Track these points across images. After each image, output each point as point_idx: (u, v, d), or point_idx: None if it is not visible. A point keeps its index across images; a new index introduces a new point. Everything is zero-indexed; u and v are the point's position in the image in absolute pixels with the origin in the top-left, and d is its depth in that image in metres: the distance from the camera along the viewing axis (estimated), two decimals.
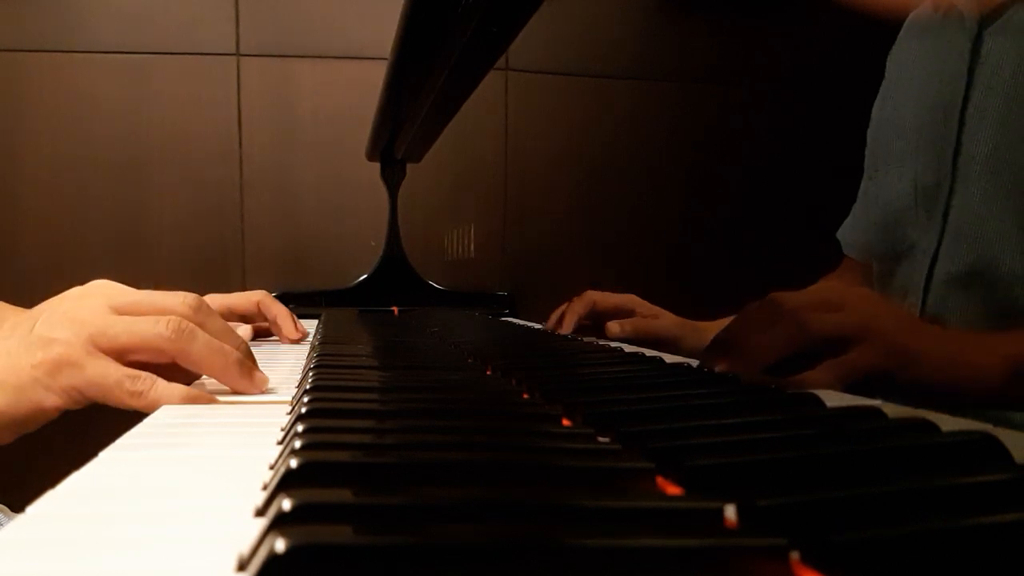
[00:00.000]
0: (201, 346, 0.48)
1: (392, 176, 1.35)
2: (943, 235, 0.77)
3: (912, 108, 0.84)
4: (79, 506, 0.27)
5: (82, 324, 0.46)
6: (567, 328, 0.96)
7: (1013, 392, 0.57)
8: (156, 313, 0.49)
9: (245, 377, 0.50)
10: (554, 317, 1.00)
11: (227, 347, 0.50)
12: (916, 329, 0.61)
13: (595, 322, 0.98)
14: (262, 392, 0.51)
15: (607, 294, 0.99)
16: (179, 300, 0.50)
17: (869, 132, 0.93)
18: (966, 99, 0.76)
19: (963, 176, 0.76)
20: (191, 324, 0.48)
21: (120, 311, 0.48)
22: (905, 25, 0.91)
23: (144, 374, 0.46)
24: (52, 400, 0.45)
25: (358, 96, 1.48)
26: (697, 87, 1.69)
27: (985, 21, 0.76)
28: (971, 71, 0.76)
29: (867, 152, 0.93)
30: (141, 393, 0.45)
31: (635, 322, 0.95)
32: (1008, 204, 0.71)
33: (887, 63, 0.93)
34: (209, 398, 0.48)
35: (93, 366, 0.45)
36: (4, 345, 0.46)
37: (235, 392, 0.50)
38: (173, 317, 0.48)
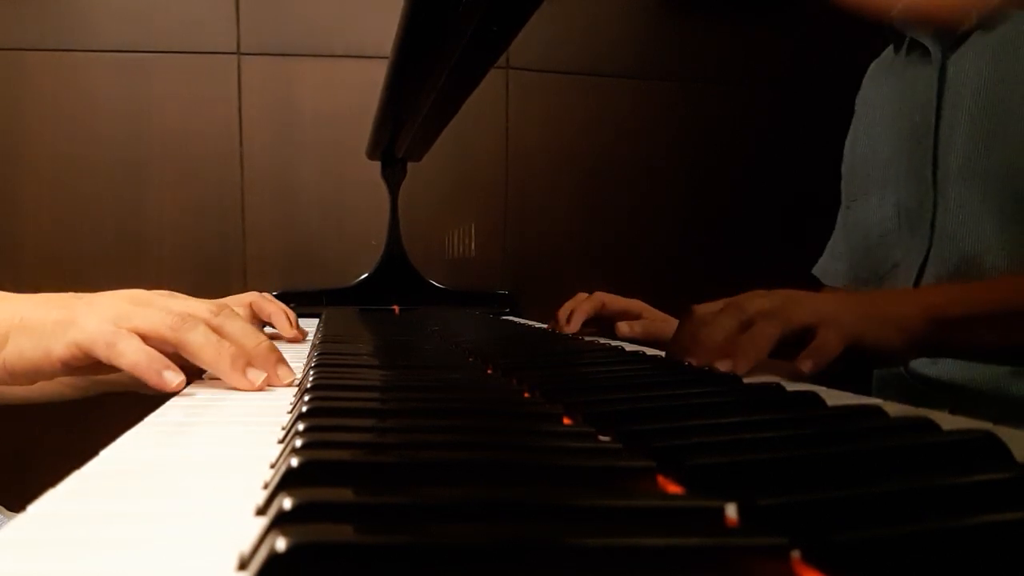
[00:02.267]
0: (199, 336, 0.51)
1: (393, 175, 1.35)
2: (931, 246, 0.82)
3: (887, 138, 0.90)
4: (79, 505, 0.27)
5: (109, 307, 0.52)
6: (575, 327, 0.98)
7: (933, 340, 0.62)
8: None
9: (236, 371, 0.51)
10: (561, 315, 1.00)
11: (225, 343, 0.52)
12: (834, 296, 0.69)
13: (600, 323, 0.99)
14: (257, 389, 0.52)
15: (616, 297, 1.01)
16: (204, 305, 0.54)
17: (844, 167, 0.99)
18: (938, 120, 0.83)
19: (943, 189, 0.82)
20: (197, 319, 0.52)
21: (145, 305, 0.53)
22: (871, 69, 0.99)
23: (126, 332, 0.50)
24: (59, 351, 0.49)
25: (359, 95, 1.48)
26: (697, 87, 1.69)
27: (947, 50, 0.84)
28: (940, 95, 0.83)
29: (843, 185, 0.99)
30: (114, 344, 0.49)
31: (645, 323, 0.98)
32: (984, 207, 0.77)
33: (856, 103, 1.00)
34: (158, 357, 0.50)
35: (94, 325, 0.50)
36: (46, 305, 0.52)
37: (231, 387, 0.51)
38: (181, 312, 0.52)
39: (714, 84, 1.69)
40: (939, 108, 0.83)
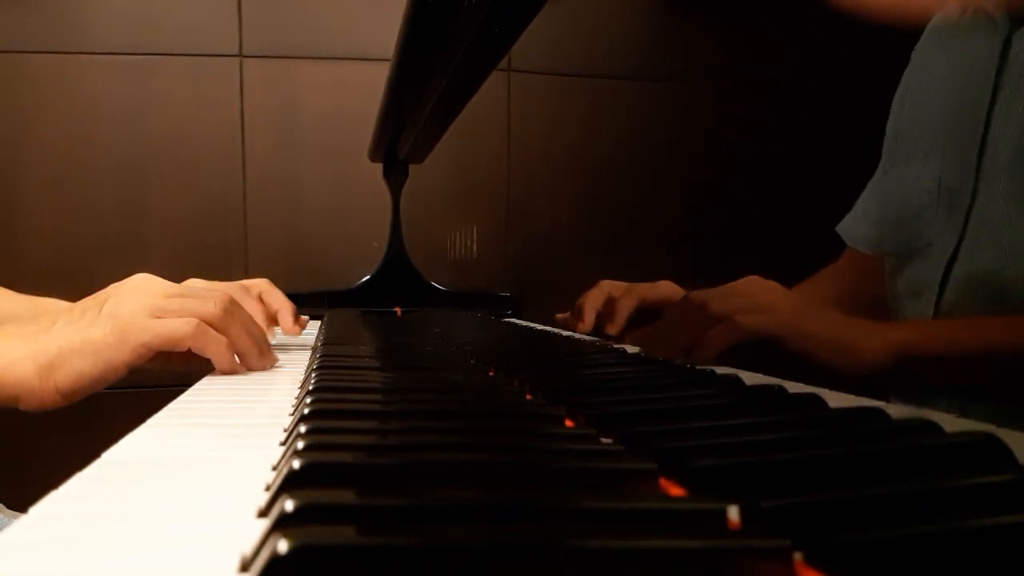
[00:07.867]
0: (239, 326, 0.61)
1: (395, 177, 1.35)
2: (964, 235, 0.77)
3: (936, 106, 0.84)
4: (82, 506, 0.27)
5: (144, 302, 0.58)
6: (617, 328, 0.90)
7: (889, 371, 0.65)
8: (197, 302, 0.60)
9: (259, 359, 0.63)
10: (588, 312, 0.92)
11: (255, 332, 0.63)
12: (808, 308, 0.71)
13: (642, 317, 0.91)
14: (268, 368, 0.63)
15: (650, 286, 0.93)
16: (217, 295, 0.61)
17: (888, 126, 0.92)
18: (993, 100, 0.76)
19: (986, 178, 0.76)
20: (232, 307, 0.61)
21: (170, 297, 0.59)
22: (932, 22, 0.91)
23: (196, 320, 0.57)
24: (122, 358, 0.55)
25: (361, 97, 1.48)
26: (700, 88, 1.69)
27: (1015, 23, 0.76)
28: (999, 73, 0.76)
29: (885, 144, 0.93)
30: (198, 335, 0.57)
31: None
32: None
33: (912, 56, 0.92)
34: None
35: (155, 324, 0.56)
36: (77, 325, 0.57)
37: (249, 369, 0.62)
38: (221, 298, 0.60)
39: (716, 85, 1.69)
40: (996, 87, 0.76)
